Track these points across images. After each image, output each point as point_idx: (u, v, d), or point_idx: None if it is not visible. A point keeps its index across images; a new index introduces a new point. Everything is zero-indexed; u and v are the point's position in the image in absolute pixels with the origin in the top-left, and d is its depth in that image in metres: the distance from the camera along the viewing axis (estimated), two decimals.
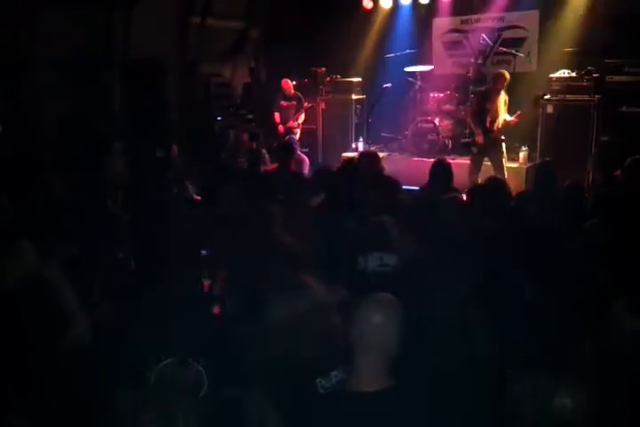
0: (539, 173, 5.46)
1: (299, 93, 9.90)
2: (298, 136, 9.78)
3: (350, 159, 6.32)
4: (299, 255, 3.66)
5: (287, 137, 9.28)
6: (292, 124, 9.69)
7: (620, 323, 2.43)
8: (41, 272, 3.07)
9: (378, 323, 2.15)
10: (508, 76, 7.56)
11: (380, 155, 8.67)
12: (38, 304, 2.92)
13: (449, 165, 5.70)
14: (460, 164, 7.93)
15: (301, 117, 9.79)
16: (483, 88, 8.05)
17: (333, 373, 2.41)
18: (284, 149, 6.58)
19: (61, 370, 2.77)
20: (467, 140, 8.04)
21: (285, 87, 9.80)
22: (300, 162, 8.07)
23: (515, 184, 7.47)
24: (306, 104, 9.72)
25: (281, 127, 9.78)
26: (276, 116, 9.88)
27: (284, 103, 9.84)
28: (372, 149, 9.09)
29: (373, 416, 2.08)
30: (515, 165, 8.49)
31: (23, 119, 7.98)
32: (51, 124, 8.18)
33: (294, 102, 9.79)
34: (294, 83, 10.31)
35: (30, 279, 3.01)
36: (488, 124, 7.61)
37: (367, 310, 2.20)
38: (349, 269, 3.56)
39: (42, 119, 8.18)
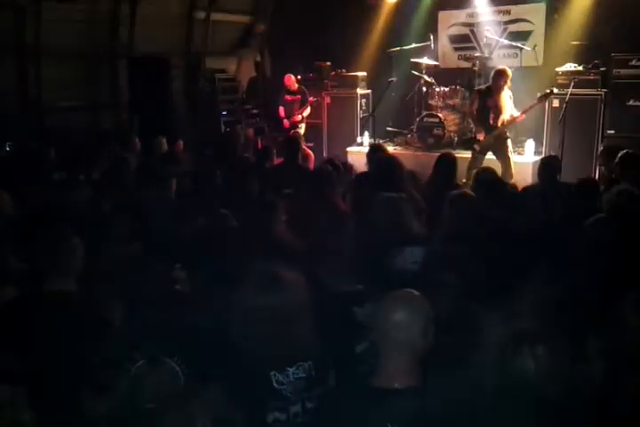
0: (542, 168, 5.45)
1: (303, 87, 9.86)
2: (303, 131, 9.76)
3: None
4: (294, 251, 3.61)
5: (292, 131, 9.28)
6: (296, 118, 9.65)
7: (626, 321, 2.41)
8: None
9: (400, 320, 2.10)
10: (509, 72, 7.51)
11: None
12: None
13: (454, 158, 5.69)
14: (465, 158, 7.90)
15: (307, 111, 9.75)
16: (483, 86, 7.99)
17: (291, 369, 2.37)
18: (290, 144, 6.57)
19: None
20: (469, 137, 7.98)
21: (288, 83, 9.76)
22: (306, 157, 8.06)
23: (521, 178, 7.45)
24: (311, 98, 9.68)
25: (286, 122, 9.76)
26: (281, 110, 9.85)
27: (288, 97, 9.81)
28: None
29: (394, 414, 2.05)
30: (521, 160, 8.47)
31: (28, 110, 8.02)
32: (55, 116, 8.20)
33: (299, 96, 9.75)
34: (299, 77, 10.30)
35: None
36: (491, 121, 7.55)
37: (389, 308, 2.15)
38: (380, 267, 3.44)
39: (46, 111, 8.20)
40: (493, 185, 4.76)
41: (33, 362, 2.62)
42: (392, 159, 5.35)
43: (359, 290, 3.06)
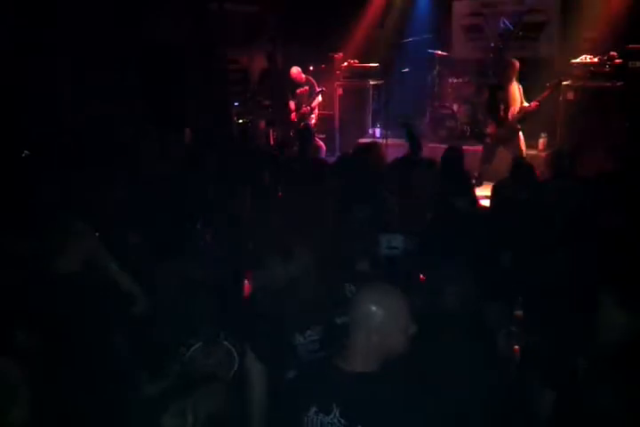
0: (554, 161, 5.40)
1: (310, 78, 9.80)
2: (314, 121, 9.73)
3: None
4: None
5: (302, 124, 9.26)
6: (305, 109, 9.62)
7: (609, 314, 2.38)
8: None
9: (371, 312, 2.12)
10: (517, 64, 7.44)
11: (398, 141, 8.68)
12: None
13: (461, 151, 5.68)
14: (477, 150, 7.85)
15: (316, 101, 9.70)
16: (493, 78, 7.92)
17: (308, 332, 2.60)
18: (301, 136, 6.55)
19: None
20: (481, 131, 7.92)
21: (295, 76, 9.70)
22: (317, 148, 8.04)
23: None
24: (318, 89, 9.63)
25: (294, 115, 9.71)
26: (291, 103, 9.80)
27: (298, 90, 9.77)
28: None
29: (341, 396, 2.09)
30: (534, 152, 8.39)
31: (40, 102, 8.03)
32: (67, 107, 8.21)
33: (307, 88, 9.70)
34: (311, 68, 10.25)
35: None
36: (502, 113, 7.49)
37: (364, 297, 2.18)
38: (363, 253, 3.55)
39: (58, 103, 8.21)
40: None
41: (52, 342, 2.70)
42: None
43: (371, 273, 3.26)
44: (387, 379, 2.13)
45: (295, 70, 9.72)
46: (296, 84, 9.74)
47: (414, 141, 6.02)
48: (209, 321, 2.71)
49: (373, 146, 5.79)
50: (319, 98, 9.67)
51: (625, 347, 2.31)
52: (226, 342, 2.65)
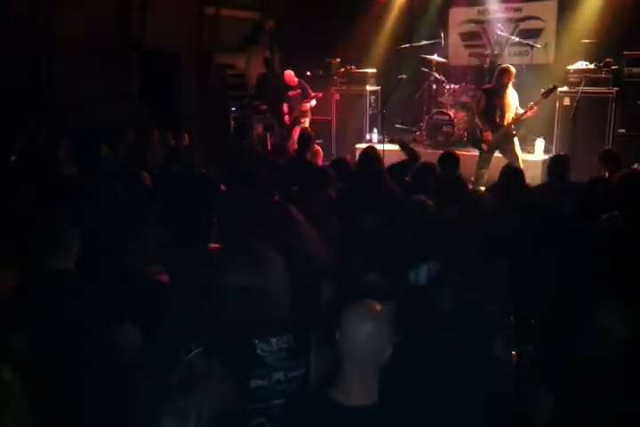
0: (552, 166, 5.43)
1: (302, 81, 9.83)
2: (307, 125, 9.76)
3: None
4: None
5: (294, 128, 9.32)
6: (297, 113, 9.67)
7: (608, 327, 2.37)
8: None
9: (368, 334, 2.05)
10: (513, 70, 7.47)
11: (395, 146, 8.70)
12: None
13: (457, 156, 5.72)
14: (474, 156, 7.88)
15: (308, 104, 9.72)
16: (489, 85, 7.95)
17: (274, 339, 2.49)
18: (301, 141, 6.57)
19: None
20: (476, 137, 7.95)
21: (288, 79, 9.74)
22: (315, 153, 8.05)
23: (530, 177, 7.41)
24: (313, 94, 9.65)
25: (287, 117, 9.76)
26: (285, 106, 9.85)
27: (290, 93, 9.81)
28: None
29: None
30: (530, 158, 8.43)
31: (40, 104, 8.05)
32: (66, 109, 8.23)
33: (299, 91, 9.73)
34: (308, 73, 10.29)
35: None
36: (498, 120, 7.52)
37: (356, 322, 2.09)
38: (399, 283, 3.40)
39: (58, 105, 8.23)
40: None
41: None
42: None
43: (382, 288, 3.10)
44: (390, 409, 2.07)
45: (288, 73, 9.77)
46: (289, 86, 9.78)
47: (409, 150, 6.11)
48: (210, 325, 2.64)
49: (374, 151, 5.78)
50: (312, 102, 9.68)
51: (624, 353, 2.30)
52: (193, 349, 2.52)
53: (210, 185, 4.88)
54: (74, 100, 8.23)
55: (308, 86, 9.73)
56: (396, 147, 8.57)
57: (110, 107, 9.02)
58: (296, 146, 7.24)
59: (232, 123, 10.12)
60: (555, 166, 5.39)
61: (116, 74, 9.23)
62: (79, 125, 7.80)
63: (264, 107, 10.56)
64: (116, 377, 2.78)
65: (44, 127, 7.42)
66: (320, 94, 9.76)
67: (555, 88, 7.50)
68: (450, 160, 5.65)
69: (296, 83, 9.77)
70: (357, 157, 5.88)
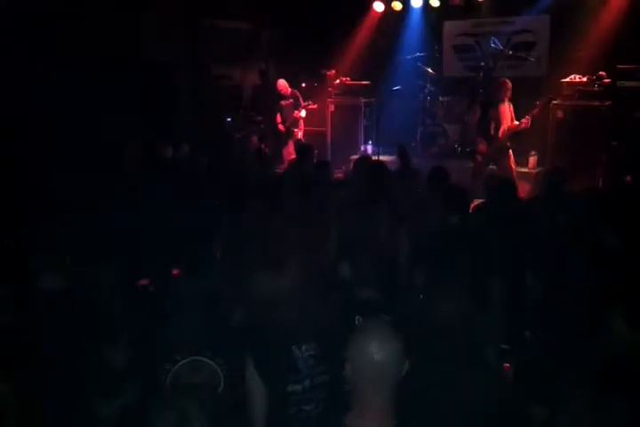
0: (549, 179, 5.45)
1: (296, 92, 9.89)
2: (301, 135, 9.81)
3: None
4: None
5: (291, 137, 9.36)
6: (289, 123, 9.72)
7: (619, 335, 2.37)
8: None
9: (381, 359, 2.00)
10: (510, 84, 7.53)
11: (389, 157, 8.74)
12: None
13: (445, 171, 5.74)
14: (468, 168, 7.91)
15: (301, 114, 9.77)
16: (484, 97, 8.00)
17: (304, 346, 2.54)
18: (301, 151, 6.61)
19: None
20: (471, 149, 8.01)
21: (280, 87, 9.80)
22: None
23: (525, 189, 7.45)
24: (304, 104, 9.70)
25: (281, 126, 9.80)
26: (278, 116, 9.91)
27: (282, 102, 9.86)
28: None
29: None
30: (524, 170, 8.47)
31: (38, 117, 8.04)
32: (62, 121, 8.21)
33: (291, 100, 9.79)
34: (304, 85, 10.34)
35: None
36: (493, 132, 7.56)
37: (368, 347, 2.03)
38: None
39: (54, 117, 8.21)
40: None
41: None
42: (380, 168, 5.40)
43: (375, 299, 3.09)
44: None
45: (282, 83, 9.81)
46: (281, 96, 9.82)
47: (405, 159, 6.15)
48: (195, 338, 2.67)
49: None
50: (302, 113, 9.73)
51: (628, 364, 2.31)
52: (212, 362, 2.59)
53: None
54: (68, 110, 8.22)
55: (300, 96, 9.78)
56: (390, 157, 8.64)
57: (105, 118, 9.03)
58: (292, 156, 7.28)
59: (227, 133, 10.17)
60: (552, 179, 5.42)
61: (110, 85, 9.22)
62: (74, 136, 7.79)
63: (259, 118, 10.60)
64: (100, 392, 2.74)
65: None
66: (310, 104, 9.80)
67: (549, 100, 7.56)
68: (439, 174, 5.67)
69: (289, 92, 9.82)
70: (354, 166, 5.87)
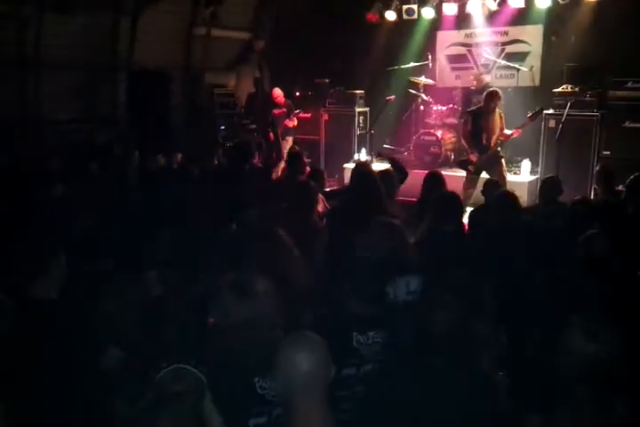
0: (543, 189, 5.49)
1: (288, 101, 9.94)
2: (290, 143, 9.84)
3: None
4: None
5: (290, 148, 9.37)
6: (280, 131, 9.76)
7: (575, 344, 2.32)
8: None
9: (310, 366, 2.03)
10: (501, 94, 7.59)
11: (383, 166, 8.75)
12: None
13: (441, 176, 5.77)
14: (461, 177, 7.94)
15: (292, 123, 9.80)
16: (475, 107, 8.05)
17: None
18: (293, 159, 6.62)
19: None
20: (463, 159, 8.06)
21: (275, 96, 9.84)
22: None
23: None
24: (295, 113, 9.74)
25: (271, 135, 9.84)
26: (270, 125, 9.95)
27: (275, 111, 9.89)
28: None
29: None
30: (516, 179, 8.51)
31: (27, 122, 8.04)
32: (54, 127, 8.22)
33: (285, 110, 9.83)
34: (298, 94, 10.37)
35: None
36: (485, 141, 7.61)
37: (296, 354, 2.06)
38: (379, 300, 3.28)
39: (46, 123, 8.22)
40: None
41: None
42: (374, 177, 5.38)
43: (369, 315, 3.02)
44: None
45: (277, 91, 9.86)
46: (275, 104, 9.85)
47: (398, 165, 6.19)
48: (179, 346, 2.63)
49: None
50: (294, 121, 9.76)
51: (593, 369, 2.29)
52: (196, 371, 2.47)
53: None
54: (62, 118, 8.25)
55: (293, 108, 9.82)
56: (383, 165, 8.66)
57: (98, 126, 9.05)
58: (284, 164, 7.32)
59: (220, 141, 10.19)
60: (546, 188, 5.45)
61: (104, 93, 9.25)
62: (66, 143, 7.80)
63: (253, 126, 10.63)
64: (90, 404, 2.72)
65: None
66: (300, 111, 9.83)
67: (541, 111, 7.62)
68: (435, 180, 5.71)
69: (283, 102, 9.85)
70: (351, 174, 5.89)
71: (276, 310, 2.52)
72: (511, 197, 4.75)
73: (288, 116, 9.78)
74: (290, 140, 9.90)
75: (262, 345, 2.42)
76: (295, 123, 9.84)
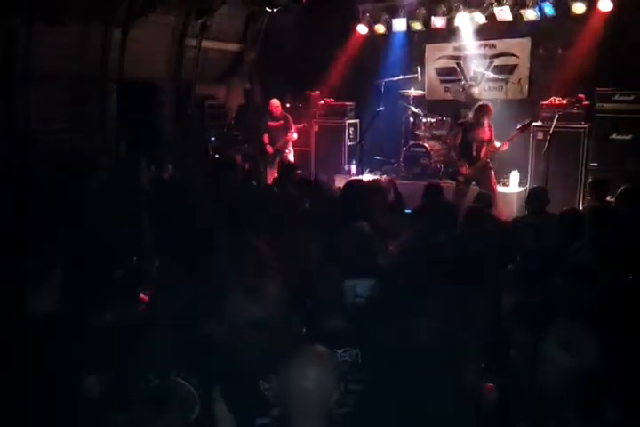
0: (530, 199, 5.53)
1: (285, 113, 9.96)
2: (292, 156, 9.85)
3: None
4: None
5: (279, 158, 9.38)
6: (279, 144, 9.75)
7: (554, 358, 2.30)
8: None
9: (314, 381, 2.02)
10: (491, 107, 7.68)
11: (372, 177, 8.80)
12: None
13: (441, 188, 5.81)
14: (451, 188, 7.98)
15: (293, 137, 9.84)
16: (465, 120, 8.12)
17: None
18: (284, 170, 6.64)
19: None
20: (453, 170, 8.13)
21: (273, 107, 9.85)
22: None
23: (506, 209, 7.53)
24: (295, 127, 9.75)
25: (269, 148, 9.83)
26: (265, 137, 9.95)
27: (272, 123, 9.90)
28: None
29: None
30: (506, 191, 8.57)
31: (17, 134, 8.00)
32: (44, 140, 8.18)
33: (282, 122, 9.84)
34: (287, 105, 10.41)
35: None
36: (474, 153, 7.68)
37: (301, 368, 2.05)
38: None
39: (36, 135, 8.18)
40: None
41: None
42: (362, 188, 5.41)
43: (342, 329, 3.00)
44: None
45: (275, 102, 9.86)
46: (272, 116, 9.86)
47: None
48: (167, 358, 2.61)
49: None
50: (294, 135, 9.79)
51: (572, 381, 2.29)
52: (186, 383, 2.51)
53: None
54: (51, 129, 8.21)
55: (290, 119, 9.83)
56: (373, 176, 8.74)
57: (88, 137, 9.02)
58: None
59: (211, 152, 10.18)
60: (533, 198, 5.50)
61: (93, 104, 9.23)
62: (55, 155, 7.75)
63: (243, 137, 10.64)
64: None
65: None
66: (301, 125, 9.87)
67: (530, 123, 7.70)
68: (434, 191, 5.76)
69: (280, 114, 9.86)
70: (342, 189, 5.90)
71: (283, 313, 2.56)
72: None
73: (285, 127, 9.80)
74: (290, 152, 9.90)
75: (268, 347, 2.46)
76: (295, 136, 9.85)
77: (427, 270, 3.64)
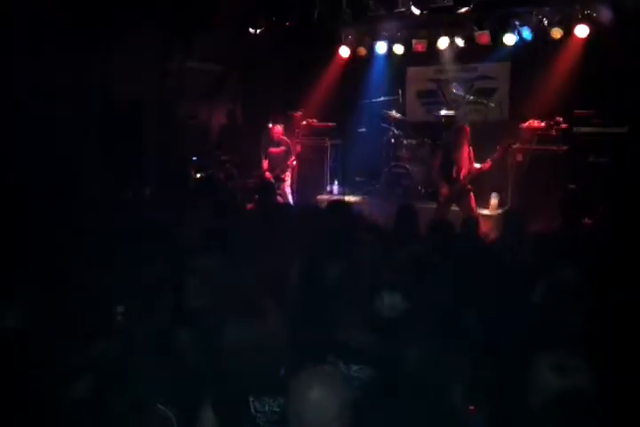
0: (507, 221, 5.57)
1: (286, 138, 9.93)
2: (288, 181, 9.82)
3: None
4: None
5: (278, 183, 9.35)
6: (279, 171, 9.71)
7: (544, 381, 2.32)
8: None
9: (316, 401, 2.00)
10: (468, 129, 7.79)
11: (354, 198, 8.85)
12: None
13: (414, 209, 5.84)
14: (431, 209, 8.03)
15: (292, 163, 9.89)
16: (444, 141, 8.20)
17: (269, 400, 2.37)
18: (263, 190, 6.64)
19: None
20: (433, 190, 8.20)
21: (274, 132, 9.79)
22: None
23: (486, 231, 7.56)
24: (295, 151, 9.78)
25: (268, 174, 9.68)
26: (265, 163, 9.83)
27: (273, 149, 9.84)
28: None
29: None
30: (486, 212, 8.62)
31: None
32: (24, 162, 8.11)
33: (284, 148, 9.82)
34: (270, 126, 10.45)
35: None
36: (454, 175, 7.76)
37: (306, 387, 2.04)
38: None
39: (15, 157, 8.11)
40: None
41: None
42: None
43: (364, 346, 2.96)
44: None
45: (278, 129, 9.82)
46: (274, 142, 9.84)
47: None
48: (144, 384, 2.55)
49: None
50: (294, 162, 9.82)
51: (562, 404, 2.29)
52: (164, 408, 2.44)
53: None
54: (32, 149, 8.15)
55: (291, 145, 9.85)
56: (355, 197, 8.78)
57: (69, 156, 8.96)
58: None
59: (192, 172, 10.17)
60: (510, 220, 5.54)
61: (75, 124, 9.19)
62: (36, 175, 7.70)
63: (225, 157, 10.64)
64: None
65: None
66: (302, 153, 9.89)
67: (509, 146, 7.79)
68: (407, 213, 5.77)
69: (282, 140, 9.84)
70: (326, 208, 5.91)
71: (279, 332, 2.52)
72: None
73: (287, 154, 9.79)
74: (288, 175, 9.90)
75: (261, 366, 2.41)
76: (295, 164, 9.88)
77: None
